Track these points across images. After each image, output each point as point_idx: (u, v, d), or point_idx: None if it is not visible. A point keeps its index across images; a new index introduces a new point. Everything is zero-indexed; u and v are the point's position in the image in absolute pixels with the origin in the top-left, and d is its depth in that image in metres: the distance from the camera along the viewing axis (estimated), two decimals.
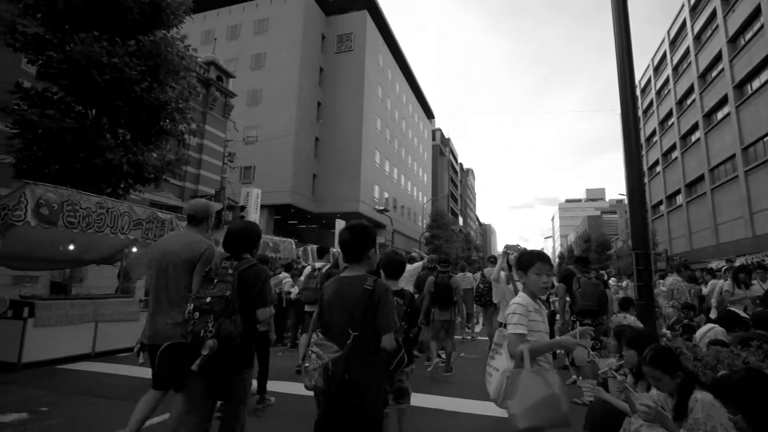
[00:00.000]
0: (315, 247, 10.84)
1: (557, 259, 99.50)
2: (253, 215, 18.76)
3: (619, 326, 3.44)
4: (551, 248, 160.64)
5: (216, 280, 2.54)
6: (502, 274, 4.06)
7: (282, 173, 29.99)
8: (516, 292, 3.79)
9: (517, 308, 2.14)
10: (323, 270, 5.02)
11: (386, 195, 38.30)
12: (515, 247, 4.20)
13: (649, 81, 45.51)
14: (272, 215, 31.14)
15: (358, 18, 35.22)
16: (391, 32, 39.76)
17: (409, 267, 6.03)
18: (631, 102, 4.68)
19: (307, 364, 2.09)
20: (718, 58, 30.06)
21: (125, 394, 4.44)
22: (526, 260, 2.28)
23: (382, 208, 27.82)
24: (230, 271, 2.58)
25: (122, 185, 8.52)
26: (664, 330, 5.44)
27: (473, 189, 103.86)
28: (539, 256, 2.26)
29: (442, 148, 65.09)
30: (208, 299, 2.45)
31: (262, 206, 30.45)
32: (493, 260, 9.86)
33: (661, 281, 9.37)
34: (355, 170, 32.76)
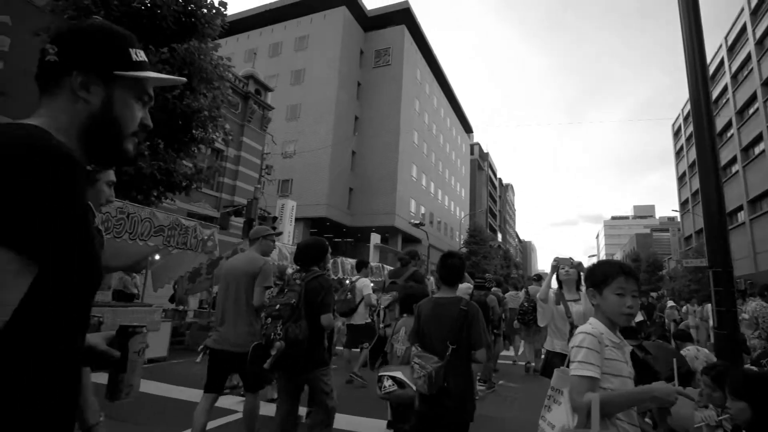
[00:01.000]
0: (349, 260, 10.52)
1: (556, 285, 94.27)
2: (288, 227, 18.74)
3: (712, 365, 2.80)
4: None
5: (286, 290, 2.90)
6: (551, 292, 3.46)
7: (318, 186, 30.14)
8: (569, 316, 3.24)
9: (586, 340, 1.52)
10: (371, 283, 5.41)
11: (422, 209, 37.72)
12: (567, 261, 3.57)
13: None
14: (308, 228, 31.24)
15: (395, 33, 35.37)
16: (428, 46, 39.67)
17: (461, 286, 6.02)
18: (703, 94, 4.01)
19: (414, 375, 2.47)
20: None
21: (143, 415, 4.12)
22: (603, 274, 1.67)
23: (417, 222, 27.19)
24: (298, 281, 2.92)
25: (155, 193, 8.51)
26: (748, 365, 4.58)
27: (513, 205, 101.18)
28: (621, 269, 1.65)
29: (480, 162, 63.91)
30: (278, 306, 2.81)
31: (298, 219, 30.70)
32: (536, 278, 9.10)
33: (741, 307, 8.60)
34: (391, 184, 32.47)
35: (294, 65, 34.13)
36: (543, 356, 3.53)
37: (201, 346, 3.36)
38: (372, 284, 6.49)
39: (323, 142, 30.58)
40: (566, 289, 3.54)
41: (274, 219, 12.95)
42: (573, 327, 3.21)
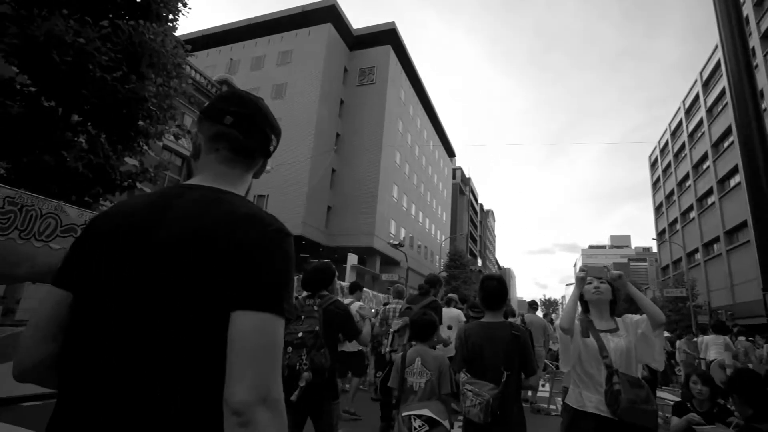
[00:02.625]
0: (342, 283, 9.33)
1: (580, 307, 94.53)
2: None
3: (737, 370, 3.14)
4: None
5: (303, 317, 2.70)
6: (576, 320, 2.44)
7: (295, 204, 28.97)
8: (604, 355, 2.20)
9: None
10: (394, 307, 5.13)
11: (403, 231, 36.78)
12: (600, 270, 2.56)
13: (680, 124, 44.00)
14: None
15: (381, 52, 35.17)
16: (414, 68, 39.61)
17: (449, 312, 5.73)
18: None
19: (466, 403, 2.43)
20: None
21: None
22: None
23: (396, 242, 26.18)
24: (315, 308, 2.76)
25: (92, 192, 7.30)
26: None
27: (493, 231, 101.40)
28: None
29: (462, 187, 63.82)
30: (300, 334, 2.60)
31: None
32: (535, 306, 8.20)
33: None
34: (371, 203, 31.53)
35: (276, 79, 33.40)
36: (563, 411, 2.47)
37: None
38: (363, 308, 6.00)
39: (302, 157, 29.59)
40: (596, 313, 2.47)
41: None
42: (612, 372, 2.19)
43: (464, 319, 5.80)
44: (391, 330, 4.50)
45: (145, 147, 8.08)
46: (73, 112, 6.89)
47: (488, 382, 2.40)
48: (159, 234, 0.85)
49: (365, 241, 30.75)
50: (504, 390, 2.37)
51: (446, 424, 2.60)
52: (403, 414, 2.72)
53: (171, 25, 8.01)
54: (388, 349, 4.48)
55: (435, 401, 2.74)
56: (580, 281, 2.53)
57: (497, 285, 2.74)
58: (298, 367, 2.57)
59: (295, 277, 2.88)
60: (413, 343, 3.11)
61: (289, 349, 2.61)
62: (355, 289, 6.61)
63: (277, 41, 34.79)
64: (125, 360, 0.79)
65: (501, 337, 2.54)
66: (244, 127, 0.99)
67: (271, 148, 1.06)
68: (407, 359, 2.98)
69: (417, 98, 42.45)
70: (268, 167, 1.22)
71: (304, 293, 3.02)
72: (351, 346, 5.85)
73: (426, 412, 2.63)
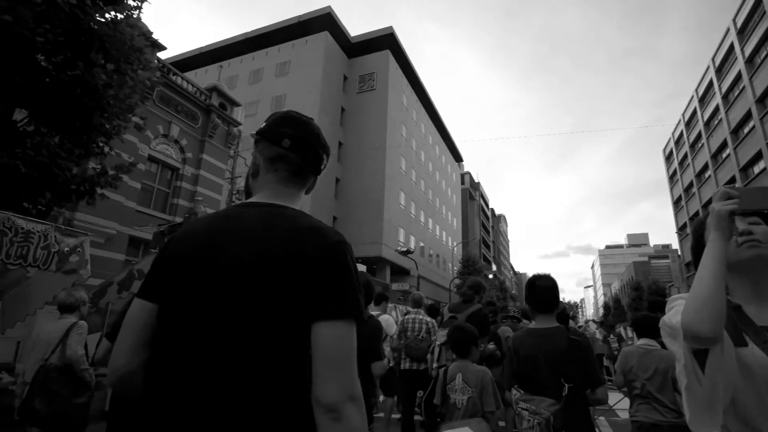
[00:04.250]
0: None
1: (602, 310, 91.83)
2: None
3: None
4: (593, 298, 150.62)
5: None
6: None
7: None
8: None
9: None
10: (413, 317, 4.97)
11: (412, 239, 35.65)
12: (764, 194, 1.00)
13: (694, 113, 42.41)
14: None
15: (380, 58, 34.52)
16: (414, 73, 38.90)
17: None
18: None
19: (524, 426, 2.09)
20: None
21: None
22: None
23: (405, 249, 25.06)
24: None
25: (45, 198, 6.41)
26: None
27: (506, 236, 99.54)
28: None
29: (472, 192, 62.58)
30: None
31: None
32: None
33: None
34: (377, 212, 30.54)
35: (274, 91, 32.90)
36: None
37: None
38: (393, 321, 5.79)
39: None
40: (749, 292, 1.11)
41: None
42: None
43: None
44: (437, 343, 4.12)
45: (107, 148, 7.20)
46: (15, 105, 6.04)
47: (546, 398, 2.11)
48: (235, 248, 0.94)
49: (373, 251, 29.70)
50: (567, 406, 2.05)
51: None
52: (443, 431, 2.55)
53: (132, 14, 7.18)
54: (435, 365, 4.12)
55: (478, 419, 2.57)
56: (723, 220, 1.02)
57: (548, 284, 2.43)
58: None
59: None
60: (456, 357, 2.93)
61: None
62: (381, 300, 5.81)
63: (275, 53, 34.41)
64: (208, 372, 0.88)
65: (557, 345, 2.24)
66: (300, 149, 1.10)
67: (322, 166, 1.16)
68: (449, 375, 2.83)
69: (420, 103, 41.64)
70: None
71: None
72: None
73: (466, 430, 2.44)
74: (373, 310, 5.55)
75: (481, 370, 2.84)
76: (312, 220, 1.00)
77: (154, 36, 9.39)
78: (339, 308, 0.90)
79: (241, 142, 21.49)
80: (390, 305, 10.87)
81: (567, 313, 7.27)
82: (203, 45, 38.95)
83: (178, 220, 13.52)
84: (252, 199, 1.10)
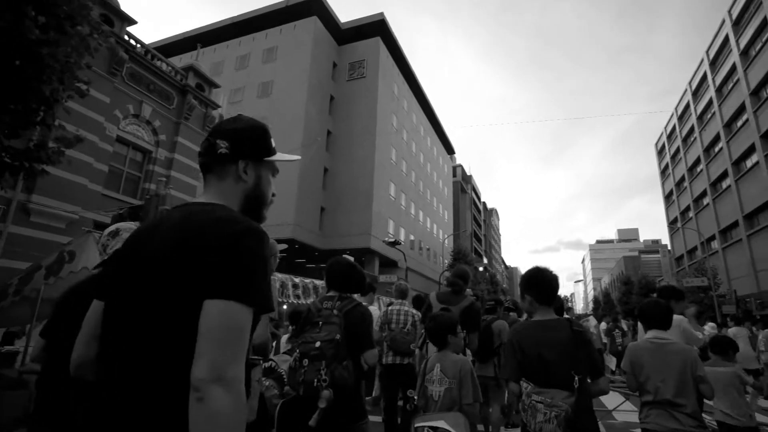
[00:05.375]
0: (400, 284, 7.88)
1: (591, 304, 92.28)
2: None
3: None
4: (582, 293, 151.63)
5: (321, 323, 2.41)
6: None
7: (285, 206, 27.31)
8: None
9: None
10: (398, 309, 4.79)
11: (402, 231, 35.03)
12: None
13: (687, 107, 42.12)
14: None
15: (370, 45, 33.62)
16: (406, 62, 38.05)
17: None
18: None
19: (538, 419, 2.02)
20: None
21: None
22: None
23: (392, 240, 24.42)
24: (335, 312, 2.46)
25: None
26: None
27: (498, 230, 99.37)
28: None
29: (463, 185, 62.02)
30: (318, 344, 2.31)
31: None
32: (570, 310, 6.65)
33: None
34: (366, 202, 29.83)
35: (261, 77, 31.90)
36: None
37: None
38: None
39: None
40: None
41: None
42: None
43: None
44: (426, 338, 3.85)
45: (52, 119, 6.40)
46: None
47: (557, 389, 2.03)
48: (151, 245, 1.00)
49: (362, 242, 29.04)
50: (579, 398, 1.99)
51: None
52: (417, 425, 2.43)
53: None
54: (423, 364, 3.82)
55: (455, 413, 2.46)
56: None
57: (551, 276, 2.43)
58: (316, 383, 2.21)
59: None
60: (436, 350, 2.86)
61: (305, 361, 2.28)
62: (368, 290, 5.67)
63: (262, 38, 33.35)
64: (124, 351, 0.94)
65: (560, 336, 2.20)
66: (201, 152, 1.18)
67: (220, 150, 1.13)
68: (428, 366, 2.76)
69: (411, 93, 40.83)
70: (286, 157, 1.28)
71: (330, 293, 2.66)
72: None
73: (442, 424, 2.35)
74: (361, 301, 5.18)
75: (460, 359, 2.70)
76: (227, 213, 1.03)
77: (125, 9, 8.54)
78: (229, 289, 0.90)
79: None
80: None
81: (563, 305, 6.68)
82: (189, 29, 37.69)
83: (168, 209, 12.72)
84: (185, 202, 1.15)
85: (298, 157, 1.47)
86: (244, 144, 1.16)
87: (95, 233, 4.98)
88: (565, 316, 9.76)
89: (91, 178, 11.59)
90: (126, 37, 12.91)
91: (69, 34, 5.84)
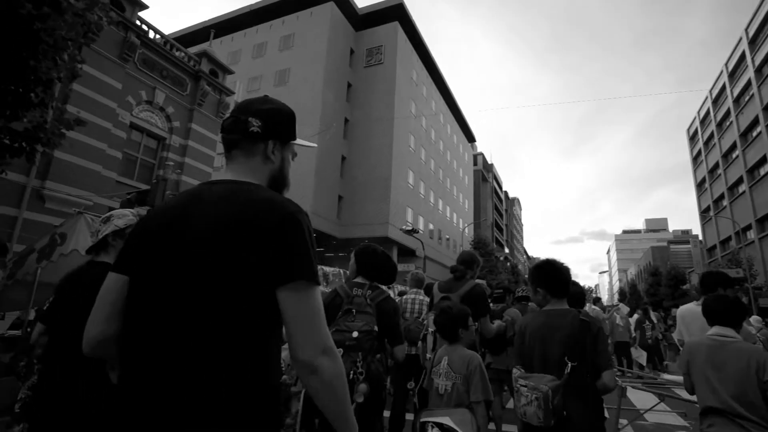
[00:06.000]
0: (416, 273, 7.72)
1: (617, 295, 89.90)
2: None
3: None
4: (607, 284, 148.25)
5: (355, 311, 2.30)
6: None
7: (303, 195, 27.19)
8: None
9: None
10: (413, 298, 4.74)
11: (421, 219, 34.55)
12: None
13: (723, 89, 39.92)
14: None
15: (388, 30, 32.91)
16: (425, 47, 37.19)
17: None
18: None
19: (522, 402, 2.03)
20: None
21: None
22: None
23: (410, 228, 24.01)
24: (369, 301, 2.37)
25: None
26: None
27: (520, 219, 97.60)
28: None
29: (484, 173, 60.86)
30: (355, 333, 2.18)
31: None
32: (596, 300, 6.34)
33: None
34: (384, 191, 29.44)
35: (278, 65, 31.67)
36: None
37: None
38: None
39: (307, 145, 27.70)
40: None
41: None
42: None
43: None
44: (430, 330, 3.76)
45: (53, 101, 6.21)
46: None
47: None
48: (194, 221, 1.00)
49: (380, 231, 28.72)
50: (569, 384, 1.97)
51: None
52: (422, 420, 2.32)
53: None
54: (429, 355, 3.75)
55: (462, 410, 2.34)
56: None
57: (566, 272, 2.37)
58: (351, 376, 2.07)
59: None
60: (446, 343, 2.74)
61: (340, 350, 2.05)
62: (426, 287, 5.45)
63: (279, 26, 33.06)
64: (168, 332, 0.94)
65: (566, 324, 2.16)
66: (226, 128, 1.17)
67: (252, 128, 1.13)
68: (436, 359, 2.67)
69: (431, 79, 39.98)
70: (305, 143, 1.31)
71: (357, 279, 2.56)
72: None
73: (446, 420, 2.22)
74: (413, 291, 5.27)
75: (469, 354, 2.58)
76: (269, 193, 1.06)
77: None
78: (300, 271, 0.96)
79: None
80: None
81: (583, 295, 6.23)
82: (207, 19, 37.73)
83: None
84: (215, 178, 1.14)
85: (315, 145, 1.56)
86: (277, 124, 1.18)
87: (87, 215, 4.76)
88: (592, 306, 9.15)
89: (104, 164, 11.56)
90: (138, 23, 12.76)
91: (63, 9, 5.60)
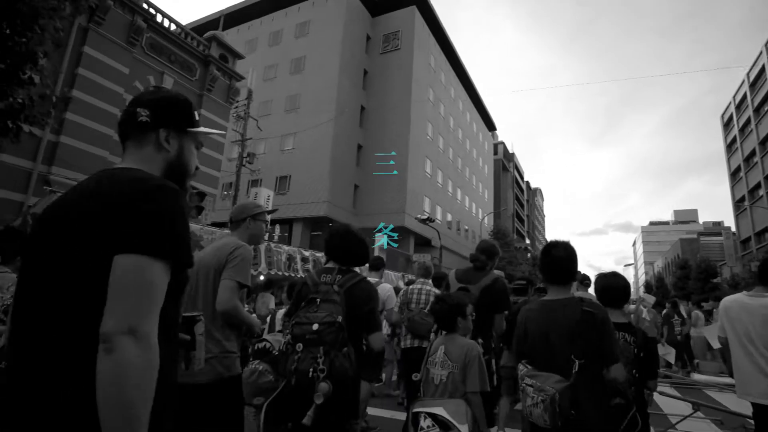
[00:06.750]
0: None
1: (642, 288, 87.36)
2: None
3: None
4: (633, 277, 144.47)
5: (319, 300, 2.07)
6: None
7: (319, 183, 26.94)
8: None
9: None
10: (419, 288, 4.58)
11: (439, 209, 33.91)
12: None
13: (762, 72, 37.62)
14: (308, 229, 28.06)
15: (405, 15, 32.08)
16: (444, 32, 36.20)
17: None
18: None
19: (527, 402, 1.95)
20: None
21: None
22: None
23: (425, 217, 23.47)
24: (336, 287, 2.13)
25: None
26: None
27: (542, 210, 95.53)
28: None
29: (505, 163, 59.49)
30: (315, 326, 1.95)
31: (296, 219, 27.58)
32: (587, 282, 5.82)
33: None
34: (401, 180, 28.89)
35: (294, 53, 31.30)
36: None
37: None
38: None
39: (324, 134, 27.41)
40: None
41: (202, 196, 9.65)
42: None
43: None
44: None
45: (37, 77, 5.96)
46: None
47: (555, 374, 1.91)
48: (58, 208, 1.00)
49: (396, 221, 28.21)
50: (577, 383, 1.86)
51: (463, 429, 2.06)
52: (415, 410, 2.25)
53: None
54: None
55: (457, 400, 2.24)
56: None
57: (564, 253, 2.19)
58: (311, 373, 1.86)
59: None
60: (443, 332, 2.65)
61: (299, 346, 1.93)
62: (379, 266, 5.50)
63: (294, 13, 32.63)
64: (31, 310, 0.92)
65: (568, 316, 2.03)
66: (119, 121, 1.18)
67: (140, 118, 1.12)
68: (432, 348, 2.60)
69: (449, 65, 38.97)
70: (210, 131, 1.34)
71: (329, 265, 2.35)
72: None
73: (440, 411, 2.14)
74: (370, 277, 4.80)
75: (467, 343, 2.49)
76: (143, 174, 1.01)
77: None
78: (138, 242, 0.89)
79: (254, 103, 20.28)
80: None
81: (628, 285, 5.64)
82: (224, 7, 37.58)
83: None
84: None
85: (223, 132, 1.76)
86: (166, 113, 1.16)
87: (59, 193, 4.47)
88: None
89: (111, 150, 11.43)
90: (145, 6, 12.53)
91: None
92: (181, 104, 1.20)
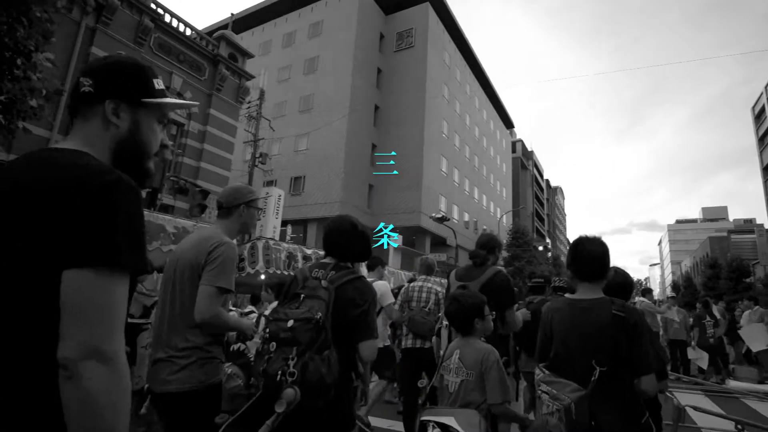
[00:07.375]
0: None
1: (669, 289, 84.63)
2: (272, 221, 15.26)
3: None
4: (659, 277, 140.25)
5: (303, 296, 1.81)
6: None
7: (333, 183, 26.76)
8: None
9: None
10: (420, 285, 4.39)
11: (455, 208, 33.34)
12: None
13: None
14: (323, 230, 27.84)
15: (419, 11, 31.66)
16: (459, 28, 35.63)
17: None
18: None
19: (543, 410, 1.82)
20: None
21: None
22: None
23: (440, 215, 22.98)
24: (323, 283, 1.84)
25: None
26: None
27: (563, 209, 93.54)
28: None
29: (524, 161, 58.36)
30: (290, 323, 1.68)
31: (311, 219, 27.46)
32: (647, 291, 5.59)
33: None
34: (416, 178, 28.46)
35: (307, 53, 31.25)
36: None
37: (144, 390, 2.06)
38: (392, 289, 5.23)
39: (337, 133, 27.22)
40: None
41: (205, 194, 9.39)
42: None
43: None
44: (445, 323, 3.23)
45: (33, 72, 5.80)
46: None
47: (574, 382, 1.75)
48: None
49: (412, 220, 27.85)
50: (595, 393, 1.70)
51: None
52: (423, 418, 2.10)
53: None
54: (443, 351, 3.24)
55: (471, 411, 2.07)
56: None
57: (600, 248, 2.01)
58: (279, 377, 1.58)
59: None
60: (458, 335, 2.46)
61: (272, 345, 1.67)
62: (376, 264, 5.31)
63: (308, 13, 32.59)
64: None
65: (596, 319, 1.84)
66: (69, 92, 1.06)
67: (82, 89, 0.95)
68: (447, 352, 2.40)
69: (465, 62, 38.35)
70: (174, 101, 1.09)
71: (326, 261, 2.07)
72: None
73: (451, 421, 1.95)
74: (368, 277, 4.48)
75: (484, 349, 2.27)
76: (86, 161, 0.84)
77: None
78: (91, 254, 0.76)
79: (268, 105, 20.20)
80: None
81: (629, 283, 5.17)
82: (238, 11, 37.89)
83: (201, 184, 12.38)
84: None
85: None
86: (112, 81, 0.97)
87: None
88: (641, 299, 7.93)
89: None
90: (153, 6, 12.48)
91: None
92: (131, 69, 0.99)
